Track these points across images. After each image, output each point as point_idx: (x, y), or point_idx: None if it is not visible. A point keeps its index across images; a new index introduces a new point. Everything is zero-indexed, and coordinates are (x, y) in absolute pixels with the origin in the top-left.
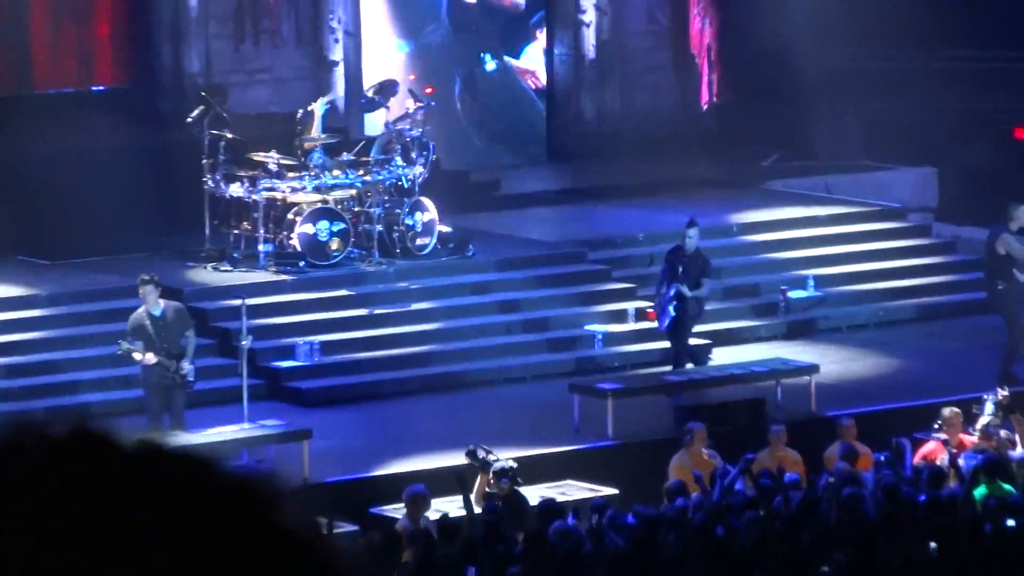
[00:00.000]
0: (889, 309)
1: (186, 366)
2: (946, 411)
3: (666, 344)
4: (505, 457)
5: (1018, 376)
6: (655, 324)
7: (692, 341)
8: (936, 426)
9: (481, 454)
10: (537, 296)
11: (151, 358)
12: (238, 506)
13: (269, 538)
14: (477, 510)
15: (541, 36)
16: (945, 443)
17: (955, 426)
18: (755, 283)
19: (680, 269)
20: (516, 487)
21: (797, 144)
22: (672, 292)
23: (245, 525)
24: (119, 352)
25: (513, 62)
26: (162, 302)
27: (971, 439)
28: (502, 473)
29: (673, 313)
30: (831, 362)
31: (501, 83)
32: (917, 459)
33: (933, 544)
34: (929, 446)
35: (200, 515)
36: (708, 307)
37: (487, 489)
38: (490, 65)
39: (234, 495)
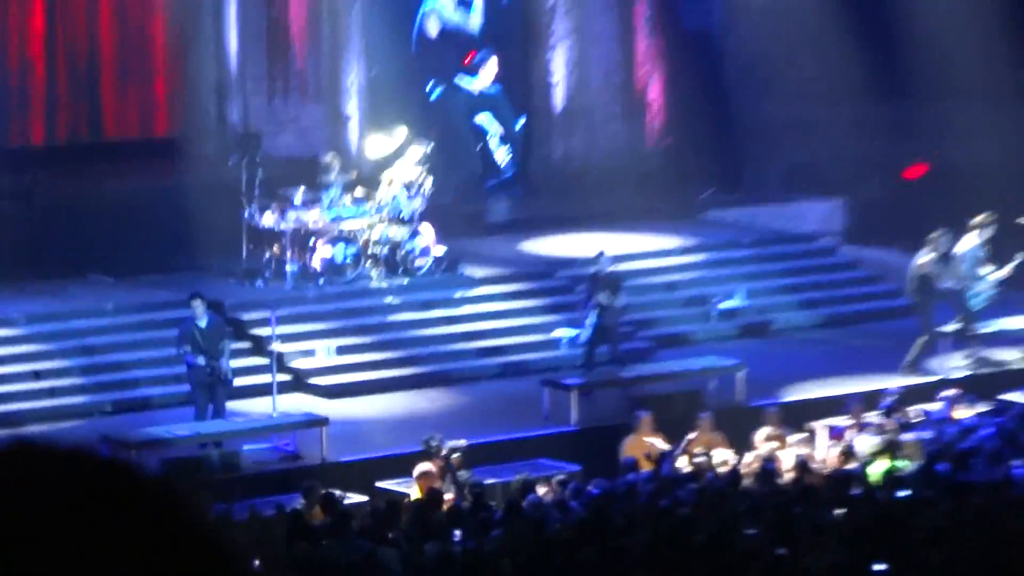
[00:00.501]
0: (804, 316)
1: (225, 366)
2: (852, 400)
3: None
4: (458, 441)
5: (924, 368)
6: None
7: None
8: (845, 413)
9: (434, 442)
10: (514, 307)
11: (201, 360)
12: (158, 506)
13: (185, 533)
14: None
15: (482, 73)
16: (850, 427)
17: (859, 412)
18: (693, 295)
19: (597, 288)
20: (461, 461)
21: (728, 180)
22: (593, 306)
23: (163, 522)
24: (178, 353)
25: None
26: (207, 315)
27: (873, 422)
28: (453, 450)
29: (595, 321)
30: (757, 360)
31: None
32: (827, 440)
33: (838, 511)
34: (837, 429)
35: (124, 515)
36: (655, 315)
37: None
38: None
39: (154, 496)
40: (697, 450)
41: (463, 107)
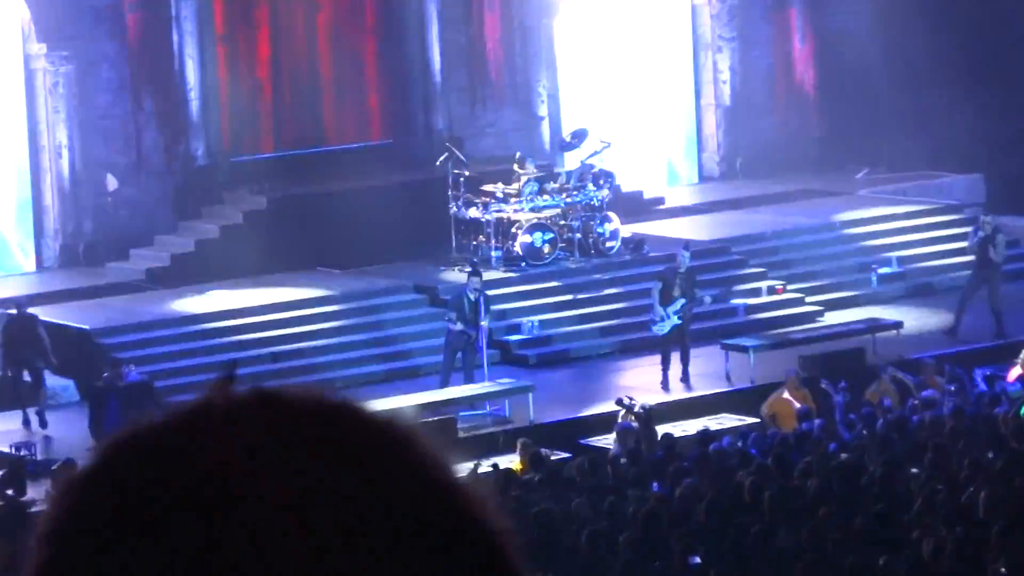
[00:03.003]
0: (951, 278)
1: (481, 334)
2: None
3: (792, 310)
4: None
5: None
6: (782, 297)
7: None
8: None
9: (626, 401)
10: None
11: (459, 326)
12: (411, 457)
13: (441, 485)
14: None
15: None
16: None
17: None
18: (853, 264)
19: (676, 283)
20: (650, 417)
21: (880, 161)
22: (677, 304)
23: (419, 474)
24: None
25: None
26: (479, 292)
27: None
28: (643, 410)
29: (678, 321)
30: (912, 318)
31: None
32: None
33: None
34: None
35: (377, 466)
36: (820, 283)
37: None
38: None
39: (408, 448)
40: (869, 399)
41: None
